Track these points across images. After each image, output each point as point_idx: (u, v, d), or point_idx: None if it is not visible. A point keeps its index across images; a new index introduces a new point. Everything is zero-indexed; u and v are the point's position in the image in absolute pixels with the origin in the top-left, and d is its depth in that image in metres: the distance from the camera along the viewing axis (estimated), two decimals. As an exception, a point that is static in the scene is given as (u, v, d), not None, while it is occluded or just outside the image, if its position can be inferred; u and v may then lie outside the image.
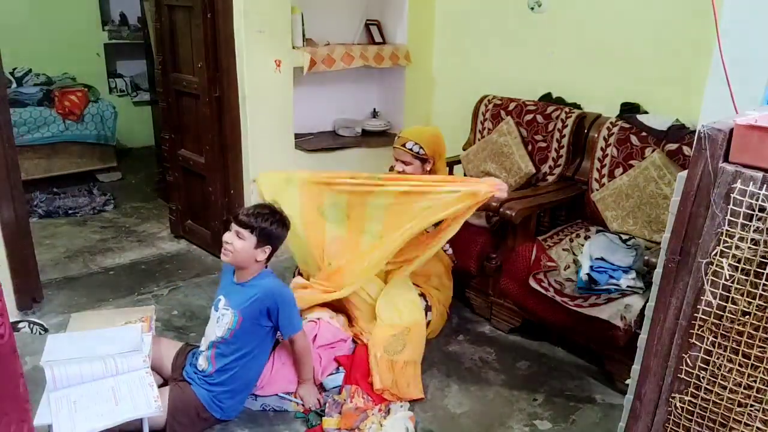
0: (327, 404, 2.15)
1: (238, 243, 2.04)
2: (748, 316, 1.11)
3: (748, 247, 1.08)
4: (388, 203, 2.42)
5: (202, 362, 2.07)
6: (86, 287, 3.09)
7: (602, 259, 2.41)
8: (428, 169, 2.67)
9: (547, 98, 3.21)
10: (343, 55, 3.44)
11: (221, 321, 2.07)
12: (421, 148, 2.62)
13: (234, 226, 2.05)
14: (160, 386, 1.95)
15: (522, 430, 2.17)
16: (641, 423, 1.34)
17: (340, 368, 2.34)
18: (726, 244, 1.11)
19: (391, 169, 2.92)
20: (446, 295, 2.74)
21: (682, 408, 1.24)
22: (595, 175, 2.84)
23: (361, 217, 2.50)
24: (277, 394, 2.21)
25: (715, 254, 1.13)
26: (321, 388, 2.26)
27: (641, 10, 2.81)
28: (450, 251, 2.80)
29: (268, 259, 2.12)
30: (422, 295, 2.59)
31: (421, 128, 2.92)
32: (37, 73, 4.78)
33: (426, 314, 2.55)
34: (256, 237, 2.03)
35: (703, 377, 1.19)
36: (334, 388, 2.26)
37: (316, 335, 2.36)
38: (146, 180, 4.92)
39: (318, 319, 2.43)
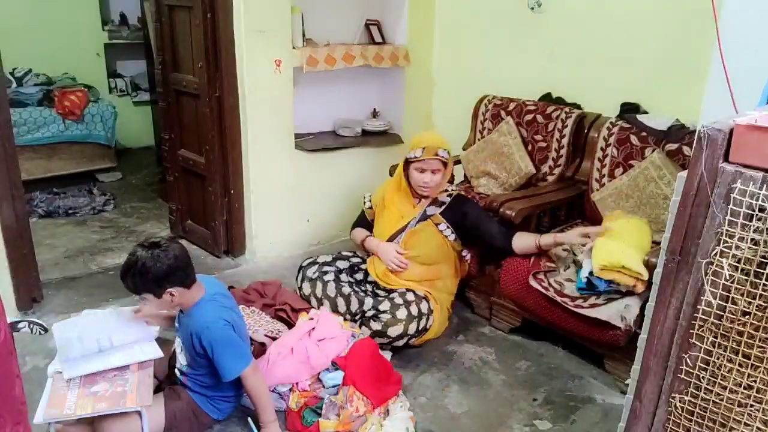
0: (324, 405, 2.11)
1: (147, 309, 1.94)
2: (748, 316, 1.10)
3: (748, 247, 1.08)
4: None
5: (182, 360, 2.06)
6: (86, 287, 3.09)
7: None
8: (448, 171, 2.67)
9: (547, 98, 3.21)
10: (343, 55, 3.44)
11: (182, 350, 2.03)
12: (448, 153, 2.61)
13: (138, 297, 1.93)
14: (155, 390, 1.94)
15: (522, 430, 2.17)
16: (641, 423, 1.34)
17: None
18: (726, 244, 1.11)
19: (392, 171, 2.90)
20: (449, 300, 2.74)
21: (682, 408, 1.24)
22: (595, 175, 2.84)
23: None
24: (274, 389, 2.20)
25: (715, 254, 1.12)
26: (318, 382, 2.24)
27: (641, 10, 2.81)
28: (468, 257, 2.80)
29: (188, 286, 1.90)
30: (425, 298, 2.58)
31: (431, 134, 2.86)
32: (37, 73, 4.77)
33: (429, 318, 2.54)
34: (151, 294, 1.88)
35: (703, 377, 1.19)
36: (333, 386, 2.24)
37: (314, 329, 2.35)
38: (146, 180, 4.92)
39: (316, 314, 2.44)
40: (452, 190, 2.74)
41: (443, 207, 2.66)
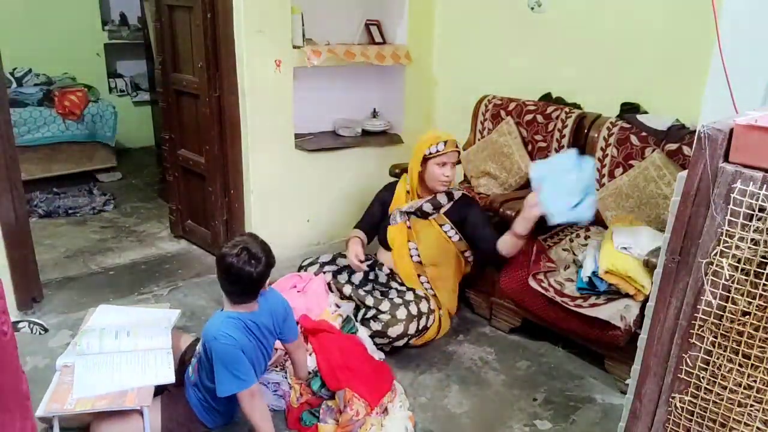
0: (321, 410, 2.10)
1: None
2: (748, 316, 1.10)
3: (748, 247, 1.08)
4: None
5: (190, 369, 2.02)
6: (86, 287, 3.09)
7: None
8: None
9: (547, 98, 3.21)
10: (344, 54, 3.44)
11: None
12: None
13: None
14: (155, 393, 1.92)
15: (522, 430, 2.17)
16: (641, 423, 1.34)
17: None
18: (726, 244, 1.10)
19: (397, 175, 2.89)
20: (452, 303, 2.76)
21: (682, 408, 1.24)
22: (595, 175, 2.83)
23: None
24: (275, 391, 2.20)
25: (715, 254, 1.12)
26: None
27: (641, 10, 2.81)
28: (471, 258, 2.79)
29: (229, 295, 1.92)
30: (425, 297, 2.58)
31: (435, 131, 2.93)
32: (37, 73, 4.77)
33: (429, 317, 2.54)
34: None
35: (703, 377, 1.19)
36: (323, 390, 2.18)
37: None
38: (146, 180, 4.92)
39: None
40: (458, 189, 2.77)
41: (452, 203, 2.70)
